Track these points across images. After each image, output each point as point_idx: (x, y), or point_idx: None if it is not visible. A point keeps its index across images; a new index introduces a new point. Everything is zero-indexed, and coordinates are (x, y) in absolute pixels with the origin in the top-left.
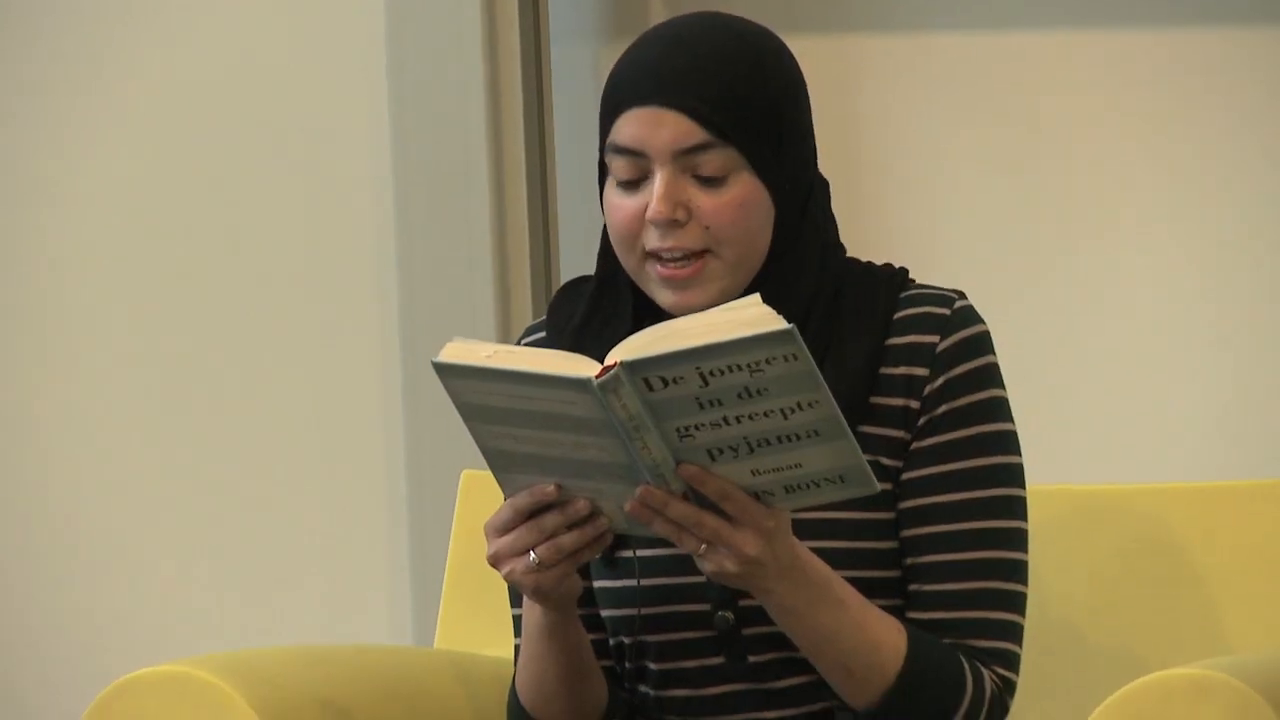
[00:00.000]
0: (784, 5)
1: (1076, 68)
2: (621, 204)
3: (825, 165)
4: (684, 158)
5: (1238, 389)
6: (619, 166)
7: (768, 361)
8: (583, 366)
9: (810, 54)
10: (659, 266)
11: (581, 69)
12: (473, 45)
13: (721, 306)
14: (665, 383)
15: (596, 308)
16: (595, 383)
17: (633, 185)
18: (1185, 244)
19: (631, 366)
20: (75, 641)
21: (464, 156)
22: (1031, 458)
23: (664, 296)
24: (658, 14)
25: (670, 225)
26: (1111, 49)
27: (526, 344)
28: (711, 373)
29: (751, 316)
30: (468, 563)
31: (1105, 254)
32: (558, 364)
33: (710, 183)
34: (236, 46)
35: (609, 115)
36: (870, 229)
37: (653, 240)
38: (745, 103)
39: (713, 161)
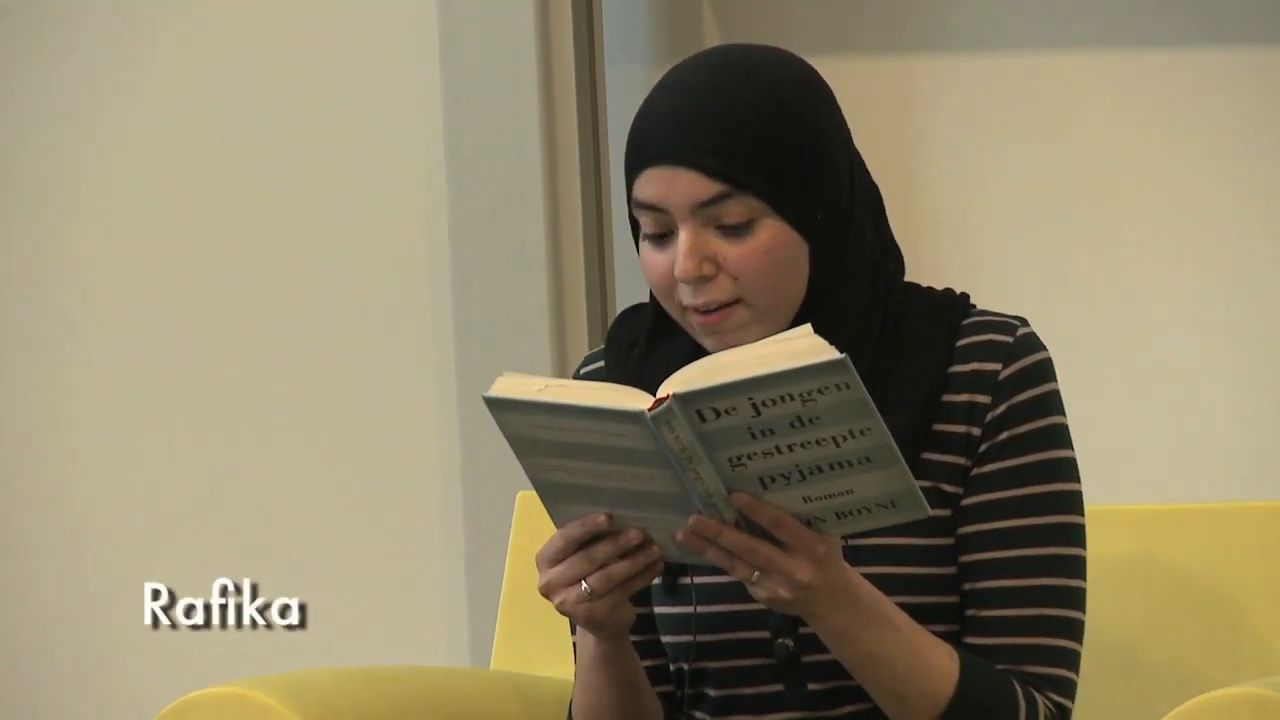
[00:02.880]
0: (837, 27)
1: (1130, 88)
2: (655, 259)
3: (880, 185)
4: (703, 211)
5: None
6: (646, 222)
7: (820, 391)
8: (634, 399)
9: (864, 75)
10: (697, 316)
11: (636, 89)
12: (528, 66)
13: (773, 337)
14: (718, 414)
15: (656, 341)
16: (648, 415)
17: (662, 240)
18: (1245, 263)
19: (684, 399)
20: (129, 662)
21: (519, 179)
22: (1085, 478)
23: (707, 343)
24: (710, 33)
25: (699, 281)
26: (1164, 69)
27: (585, 374)
28: (764, 403)
29: (803, 347)
30: (524, 584)
31: (1155, 269)
32: (610, 397)
33: (734, 232)
34: (295, 73)
35: (630, 173)
36: (924, 248)
37: (686, 296)
38: (758, 147)
39: (733, 211)
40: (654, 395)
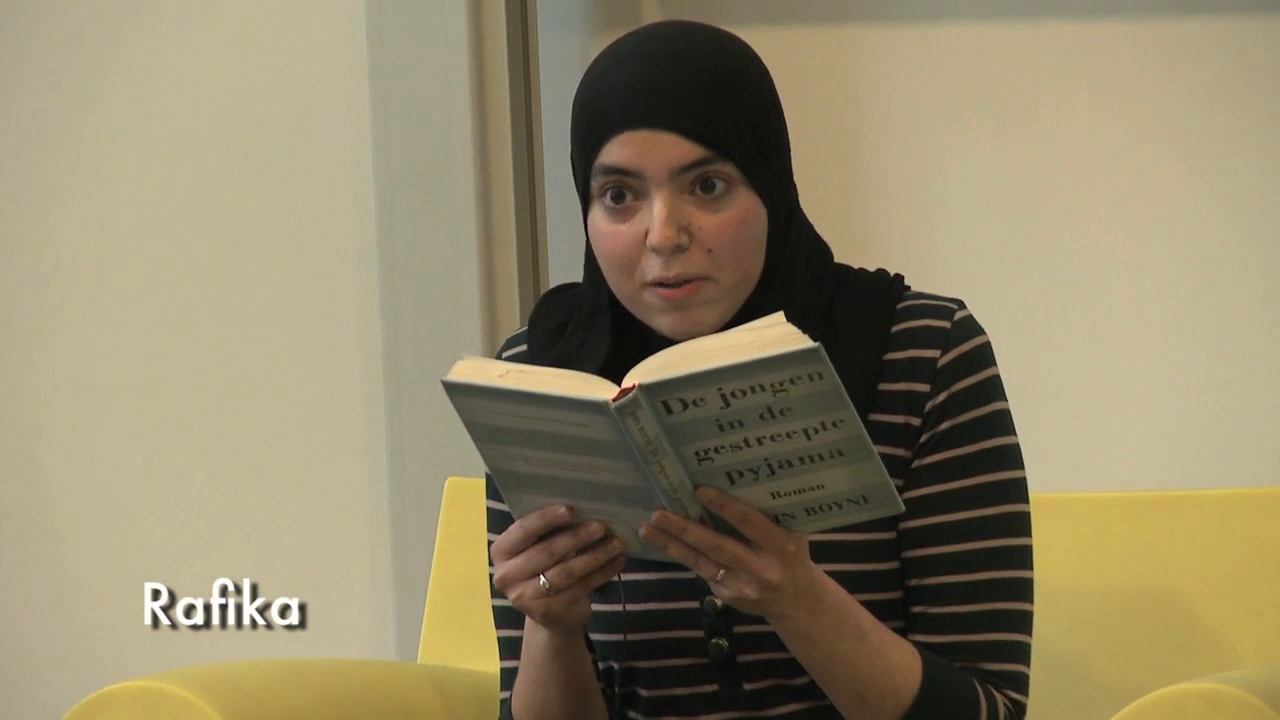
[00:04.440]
0: None
1: (1081, 60)
2: (615, 230)
3: (822, 158)
4: (682, 176)
5: (1244, 394)
6: (610, 188)
7: (792, 381)
8: (599, 389)
9: (810, 45)
10: (661, 290)
11: (570, 59)
12: (458, 36)
13: (743, 326)
14: (685, 405)
15: (578, 323)
16: (613, 406)
17: (622, 211)
18: (1198, 242)
19: (651, 389)
20: (45, 657)
21: (449, 152)
22: (1032, 465)
23: (664, 321)
24: (649, 5)
25: (674, 251)
26: (1118, 40)
27: (508, 357)
28: (733, 394)
29: (775, 336)
30: (452, 573)
31: (1109, 250)
32: (573, 385)
33: (710, 200)
34: (217, 42)
35: (593, 138)
36: (870, 222)
37: (655, 269)
38: (737, 116)
39: (711, 178)
40: (617, 384)
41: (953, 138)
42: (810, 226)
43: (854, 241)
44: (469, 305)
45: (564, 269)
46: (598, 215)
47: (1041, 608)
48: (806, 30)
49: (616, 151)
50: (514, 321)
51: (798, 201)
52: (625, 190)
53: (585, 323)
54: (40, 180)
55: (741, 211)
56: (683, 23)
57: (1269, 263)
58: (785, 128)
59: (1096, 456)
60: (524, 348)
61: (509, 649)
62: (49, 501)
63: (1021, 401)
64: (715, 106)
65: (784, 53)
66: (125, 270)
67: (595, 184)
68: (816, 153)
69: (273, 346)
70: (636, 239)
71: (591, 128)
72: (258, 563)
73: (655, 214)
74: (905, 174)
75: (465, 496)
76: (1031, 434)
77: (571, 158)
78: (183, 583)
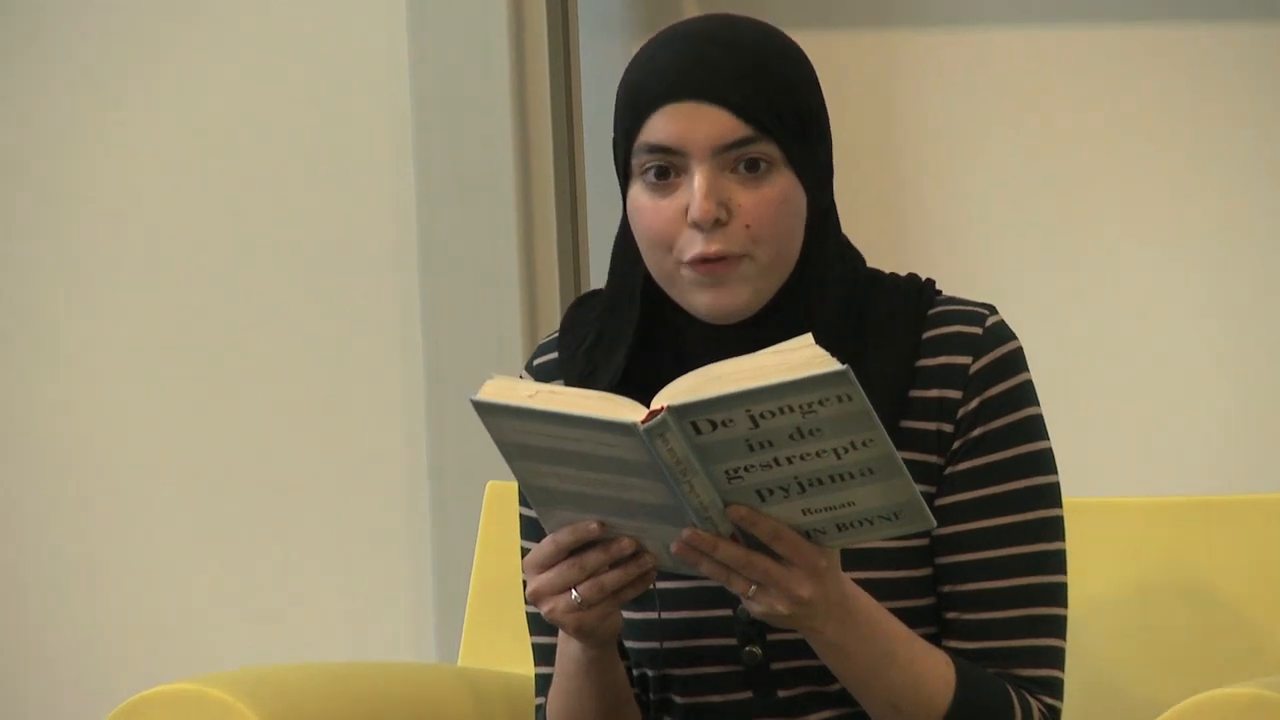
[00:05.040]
0: (821, 1)
1: (1118, 65)
2: (655, 205)
3: (861, 160)
4: (724, 154)
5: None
6: (651, 165)
7: (821, 403)
8: (627, 410)
9: (848, 50)
10: (699, 266)
11: (611, 65)
12: (500, 41)
13: (772, 348)
14: (714, 426)
15: (606, 324)
16: (641, 428)
17: (663, 187)
18: (1234, 247)
19: (679, 411)
20: (91, 657)
21: (489, 158)
22: (1070, 469)
23: (700, 299)
24: (689, 9)
25: (714, 226)
26: (1155, 45)
27: (539, 364)
28: (762, 415)
29: (803, 358)
30: (493, 576)
31: (1144, 255)
32: (601, 407)
33: (751, 179)
34: (257, 49)
35: (637, 114)
36: (907, 226)
37: (694, 245)
38: (781, 97)
39: (754, 156)
40: (642, 403)
41: (989, 142)
42: (840, 229)
43: (891, 245)
44: (510, 311)
45: (605, 274)
46: (638, 192)
47: (1080, 612)
48: (845, 34)
49: (660, 127)
50: (554, 322)
51: (834, 201)
52: (667, 167)
53: (606, 324)
54: (69, 184)
55: (782, 190)
56: (728, 15)
57: None
58: (828, 124)
59: (1134, 460)
60: (554, 355)
61: (543, 655)
62: (66, 513)
63: (1059, 405)
64: (761, 85)
65: (821, 57)
66: (163, 281)
67: (636, 162)
68: (854, 157)
69: (315, 352)
70: (677, 214)
71: (635, 105)
72: (300, 567)
73: (695, 188)
74: (942, 178)
75: (506, 500)
76: (1068, 438)
77: (614, 142)
78: (202, 598)
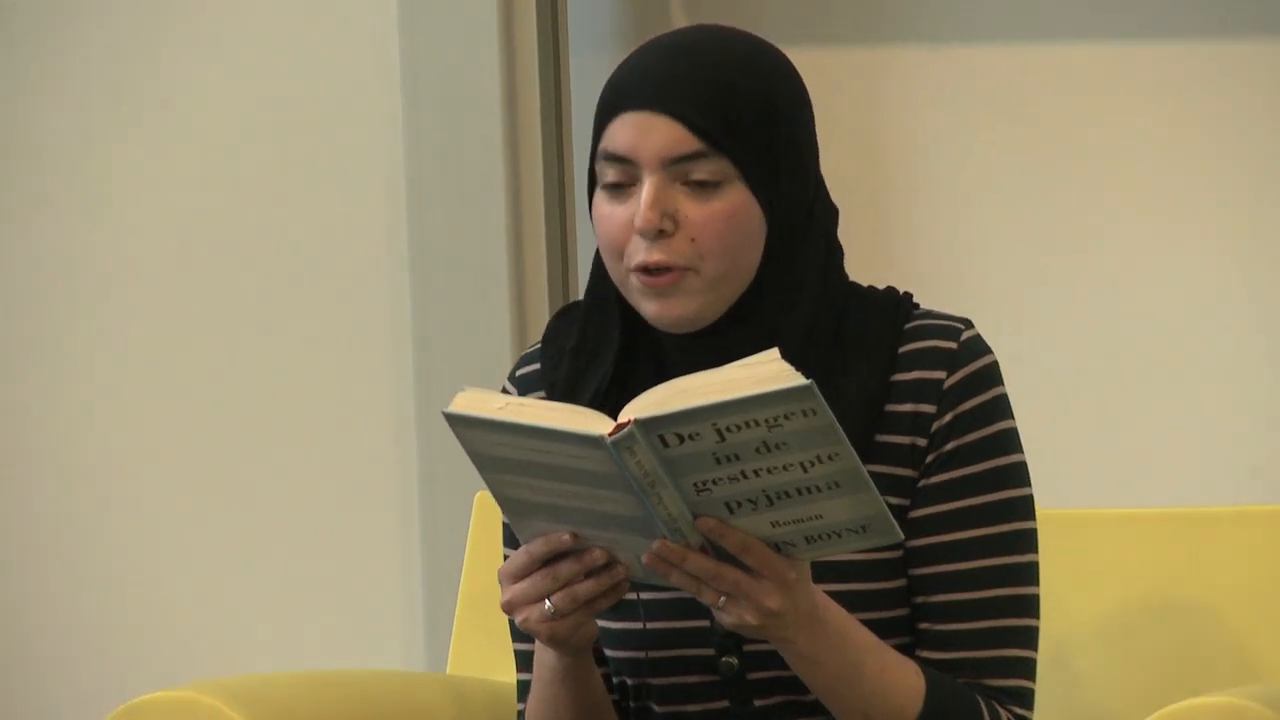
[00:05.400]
0: (809, 17)
1: (1105, 79)
2: (610, 213)
3: (849, 176)
4: (674, 166)
5: (1268, 412)
6: (609, 173)
7: (786, 417)
8: (595, 423)
9: (836, 66)
10: (643, 276)
11: (599, 76)
12: (490, 54)
13: (738, 362)
14: (681, 439)
15: (586, 336)
16: (609, 440)
17: (621, 193)
18: (1221, 260)
19: (646, 424)
20: (82, 663)
21: (480, 167)
22: (1053, 479)
23: (648, 307)
24: (678, 21)
25: (657, 236)
26: (1138, 61)
27: (521, 375)
28: (728, 428)
29: (769, 373)
30: (481, 585)
31: (1130, 267)
32: (570, 419)
33: (700, 192)
34: (250, 51)
35: (601, 121)
36: (897, 244)
37: (639, 253)
38: (740, 113)
39: (703, 170)
40: (611, 417)
41: (976, 158)
42: (832, 251)
43: (877, 258)
44: (499, 321)
45: None
46: (599, 198)
47: (1059, 622)
48: (833, 50)
49: (616, 135)
50: (542, 330)
51: (820, 218)
52: (622, 174)
53: (587, 330)
54: (60, 185)
55: (732, 205)
56: (716, 26)
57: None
58: (808, 139)
59: (1119, 471)
60: (536, 366)
61: (524, 662)
62: (58, 520)
63: (1043, 417)
64: (719, 99)
65: (809, 73)
66: (150, 291)
67: (597, 168)
68: (840, 172)
69: (301, 365)
70: (627, 221)
71: (602, 106)
72: (289, 576)
73: (643, 197)
74: (929, 193)
75: (494, 511)
76: (1049, 449)
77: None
78: (193, 606)
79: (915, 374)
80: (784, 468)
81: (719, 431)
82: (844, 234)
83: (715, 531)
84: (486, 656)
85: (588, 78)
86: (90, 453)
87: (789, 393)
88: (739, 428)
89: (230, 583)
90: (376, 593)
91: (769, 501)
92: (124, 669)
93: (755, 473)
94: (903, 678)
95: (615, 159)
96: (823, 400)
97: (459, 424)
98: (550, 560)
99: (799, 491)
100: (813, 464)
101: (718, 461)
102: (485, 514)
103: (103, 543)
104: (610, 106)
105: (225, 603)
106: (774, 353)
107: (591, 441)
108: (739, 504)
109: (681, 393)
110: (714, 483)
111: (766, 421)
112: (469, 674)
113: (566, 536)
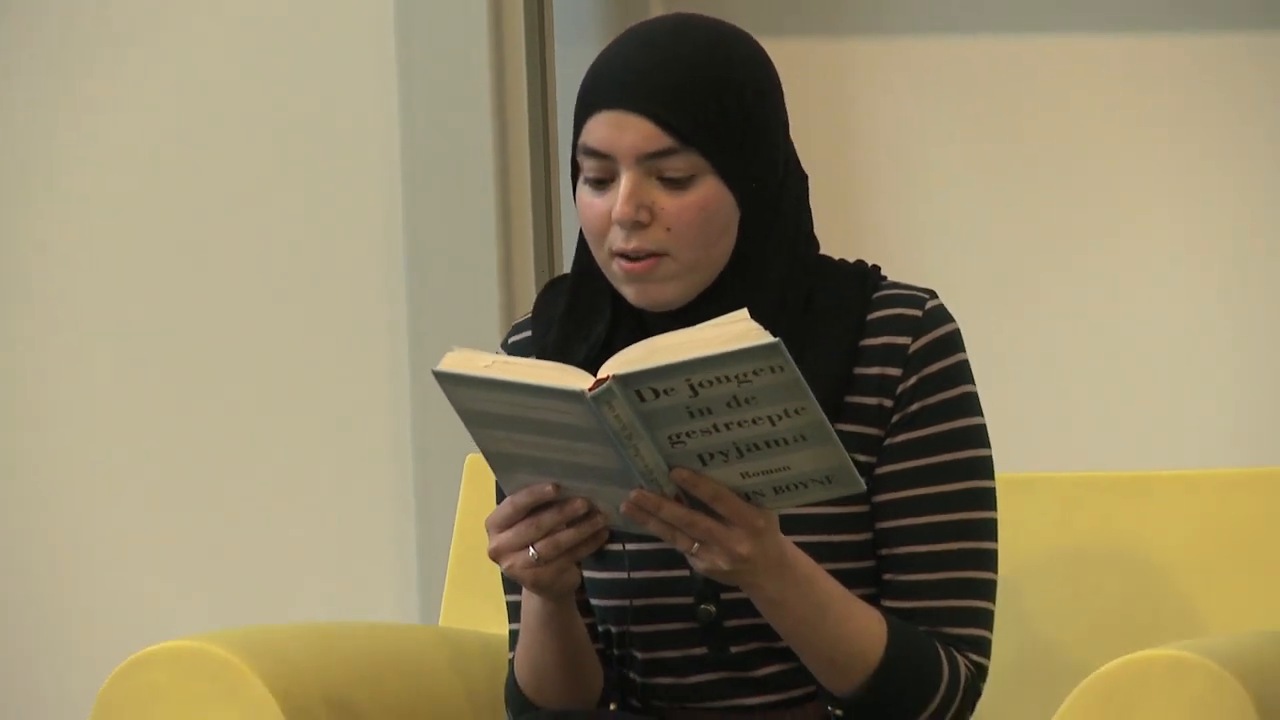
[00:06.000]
0: (775, 8)
1: (1069, 72)
2: (591, 203)
3: (816, 167)
4: (648, 161)
5: (1235, 379)
6: (589, 167)
7: (755, 373)
8: (576, 379)
9: (802, 57)
10: (623, 262)
11: (584, 69)
12: (479, 46)
13: (710, 322)
14: (656, 394)
15: (575, 303)
16: (589, 395)
17: (601, 185)
18: (1177, 248)
19: (624, 380)
20: (84, 623)
21: (470, 156)
22: (1025, 448)
23: (628, 291)
24: (657, 13)
25: (634, 226)
26: (1105, 53)
27: (514, 341)
28: (701, 384)
29: (739, 331)
30: (472, 545)
31: (1099, 254)
32: (552, 376)
33: (674, 185)
34: (243, 45)
35: (580, 116)
36: (860, 230)
37: (617, 241)
38: (709, 108)
39: (676, 165)
40: (593, 375)
41: (941, 148)
42: (802, 218)
43: (844, 249)
44: (489, 296)
45: None
46: (581, 188)
47: (1016, 581)
48: (800, 41)
49: (594, 132)
50: (529, 309)
51: (790, 191)
52: (601, 169)
53: (576, 299)
54: (53, 180)
55: (704, 197)
56: (687, 16)
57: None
58: (778, 123)
59: (1073, 438)
60: (527, 334)
61: (515, 613)
62: (56, 486)
63: (1006, 390)
64: (687, 97)
65: (777, 64)
66: (135, 270)
67: (579, 160)
68: (806, 163)
69: (295, 331)
70: (607, 212)
71: (579, 107)
72: (289, 537)
73: (620, 191)
74: (896, 184)
75: (484, 473)
76: (1006, 418)
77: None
78: (195, 565)
79: (882, 339)
80: (753, 421)
81: (692, 387)
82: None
83: (689, 481)
84: (477, 610)
85: (573, 68)
86: (81, 424)
87: (757, 350)
88: (711, 383)
89: (230, 542)
90: (372, 550)
91: (739, 453)
92: (128, 625)
93: (726, 426)
94: (866, 624)
95: (593, 154)
96: (789, 357)
97: (448, 381)
98: (534, 510)
99: (767, 444)
100: (780, 417)
101: (691, 415)
102: (476, 476)
103: (95, 504)
104: (587, 104)
105: (225, 560)
106: (743, 313)
107: (573, 396)
108: (711, 456)
109: (657, 350)
110: (688, 435)
111: (737, 377)
112: (460, 626)
113: (549, 488)
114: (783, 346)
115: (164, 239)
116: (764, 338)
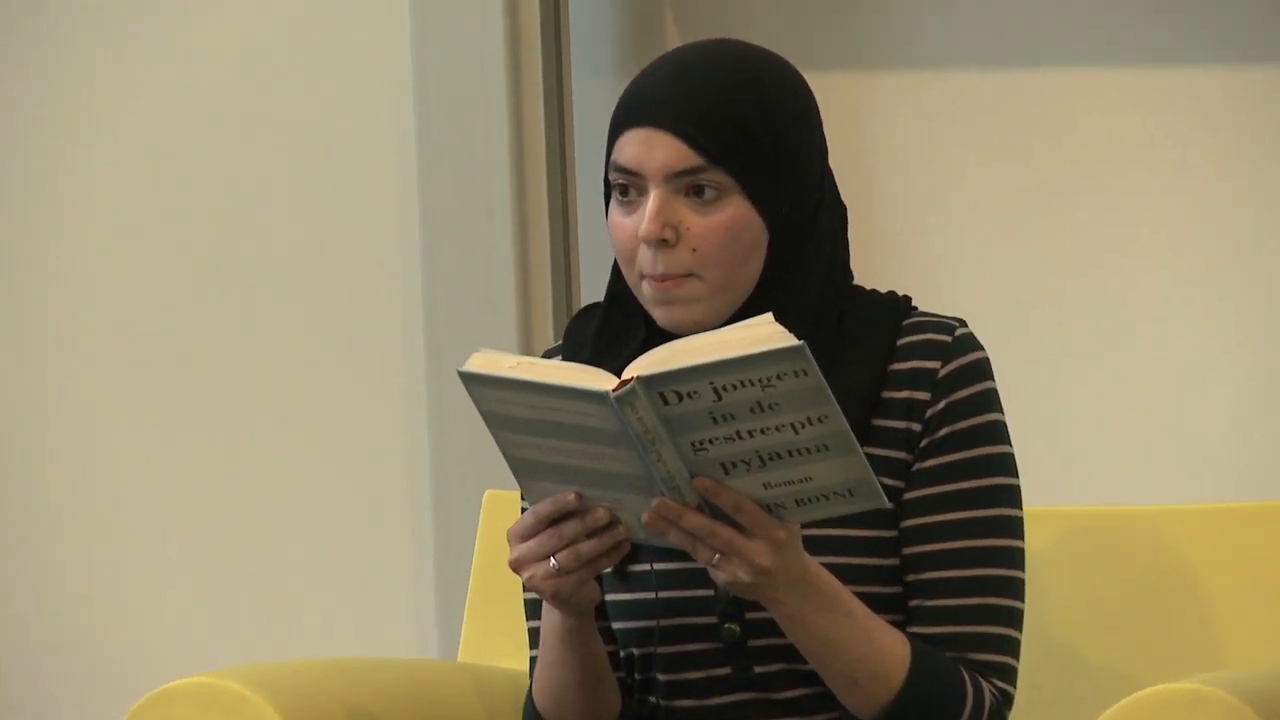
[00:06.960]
0: (796, 41)
1: (1085, 104)
2: (622, 223)
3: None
4: (677, 179)
5: (1250, 412)
6: (619, 185)
7: (779, 377)
8: (601, 380)
9: (820, 90)
10: (653, 283)
11: (599, 100)
12: (497, 79)
13: (736, 325)
14: (680, 397)
15: (607, 326)
16: (612, 396)
17: (631, 204)
18: (1191, 277)
19: (647, 381)
20: (103, 656)
21: (489, 186)
22: (1041, 479)
23: (657, 312)
24: (676, 45)
25: (660, 245)
26: (1113, 85)
27: None
28: (725, 388)
29: (764, 334)
30: (490, 579)
31: (1112, 284)
32: (577, 377)
33: (701, 205)
34: (262, 78)
35: (613, 134)
36: (881, 261)
37: (646, 264)
38: (740, 128)
39: (704, 184)
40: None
41: (959, 180)
42: (838, 248)
43: (859, 277)
44: (506, 326)
45: (594, 295)
46: (612, 207)
47: (1041, 612)
48: (818, 75)
49: (624, 150)
50: (547, 339)
51: (825, 221)
52: (630, 186)
53: (609, 321)
54: (69, 183)
55: (731, 218)
56: (724, 40)
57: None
58: (812, 149)
59: (1095, 473)
60: (559, 358)
61: (535, 639)
62: (75, 516)
63: (1033, 420)
64: (719, 116)
65: None
66: (153, 286)
67: (610, 179)
68: None
69: (315, 362)
70: (635, 230)
71: (612, 125)
72: (307, 570)
73: (647, 209)
74: (913, 215)
75: (502, 508)
76: (1038, 450)
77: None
78: (214, 598)
79: (911, 364)
80: (776, 428)
81: (716, 390)
82: None
83: (710, 490)
84: (495, 646)
85: (590, 100)
86: (107, 444)
87: (781, 353)
88: (735, 387)
89: (247, 575)
90: (391, 585)
91: (761, 462)
92: (144, 661)
93: (749, 433)
94: (889, 646)
95: (623, 171)
96: (813, 361)
97: (473, 382)
98: (556, 520)
99: (790, 453)
100: (803, 425)
101: (714, 420)
102: (494, 509)
103: (112, 538)
104: (619, 121)
105: (243, 597)
106: (768, 316)
107: (596, 397)
108: (734, 464)
109: (681, 352)
110: (710, 442)
111: (760, 381)
112: (479, 661)
113: (572, 497)
114: (807, 350)
115: (168, 266)
116: (788, 340)
